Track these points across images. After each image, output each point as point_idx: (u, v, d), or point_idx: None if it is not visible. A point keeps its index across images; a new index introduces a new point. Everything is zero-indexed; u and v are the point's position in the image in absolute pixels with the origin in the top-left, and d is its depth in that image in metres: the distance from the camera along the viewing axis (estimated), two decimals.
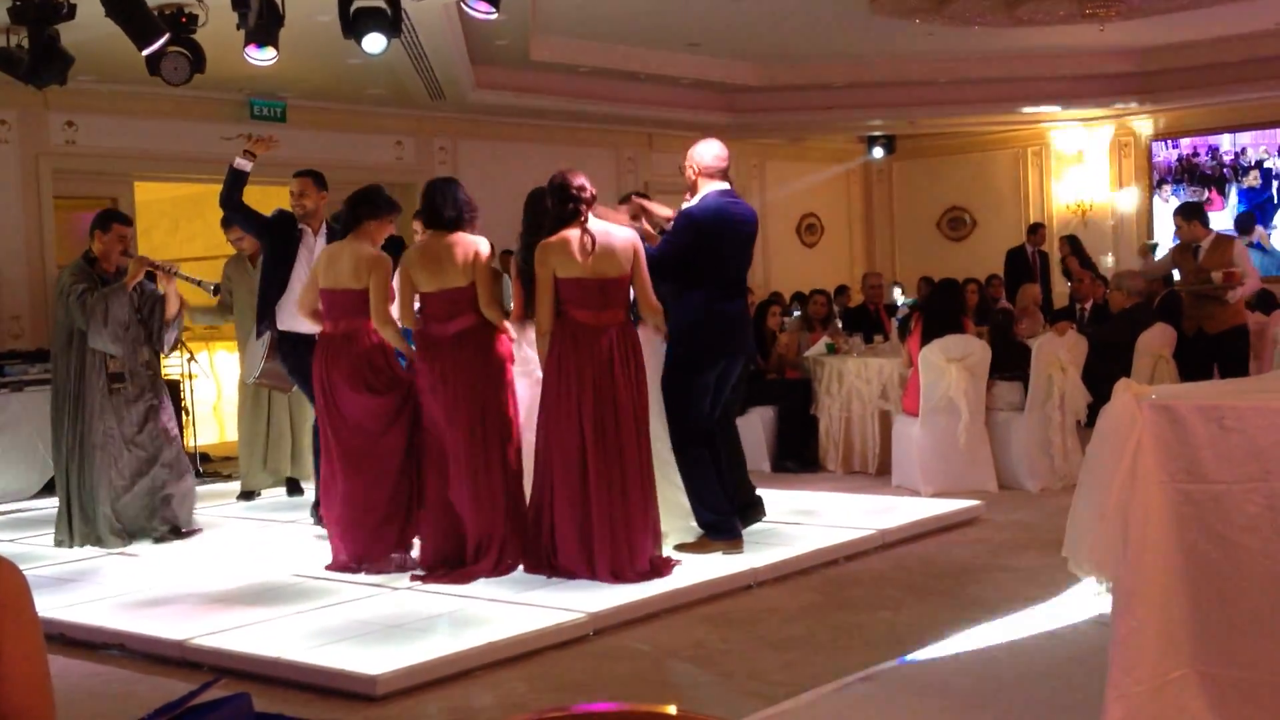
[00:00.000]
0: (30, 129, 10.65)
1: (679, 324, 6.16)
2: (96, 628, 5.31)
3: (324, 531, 6.53)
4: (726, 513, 6.21)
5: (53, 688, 1.85)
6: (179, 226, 14.47)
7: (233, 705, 2.15)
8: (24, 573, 1.91)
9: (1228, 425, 3.11)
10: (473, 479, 5.82)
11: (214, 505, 8.25)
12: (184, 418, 9.76)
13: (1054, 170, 16.66)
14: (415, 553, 6.12)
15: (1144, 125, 15.79)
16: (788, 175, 17.26)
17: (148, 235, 13.03)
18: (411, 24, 8.89)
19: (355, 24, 7.44)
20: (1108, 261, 15.47)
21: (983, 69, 14.01)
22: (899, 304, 14.08)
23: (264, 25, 7.42)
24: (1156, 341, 9.21)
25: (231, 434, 9.75)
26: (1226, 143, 15.38)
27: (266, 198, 7.72)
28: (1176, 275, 10.11)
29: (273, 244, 7.21)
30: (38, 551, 6.99)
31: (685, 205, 6.27)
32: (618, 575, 5.61)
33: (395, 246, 6.90)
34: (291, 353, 7.03)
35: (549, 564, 5.77)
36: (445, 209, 5.94)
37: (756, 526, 6.56)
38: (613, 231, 5.85)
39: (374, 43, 7.45)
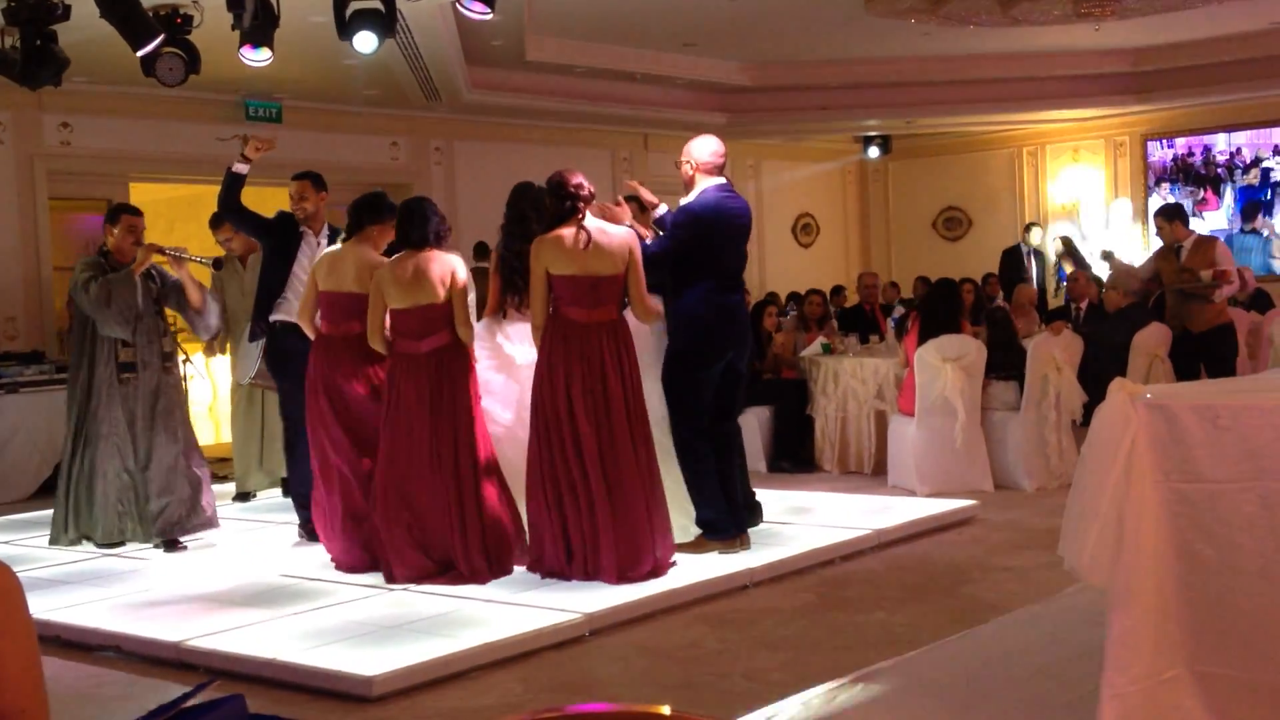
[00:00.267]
0: (25, 130, 10.65)
1: (681, 318, 6.18)
2: (92, 629, 5.30)
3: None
4: (724, 511, 6.22)
5: (46, 689, 1.84)
6: (175, 227, 14.44)
7: (227, 707, 2.15)
8: (18, 575, 1.91)
9: (1222, 424, 3.11)
10: (443, 494, 5.80)
11: None
12: None
13: (1049, 170, 16.68)
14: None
15: (1139, 125, 15.81)
16: (783, 175, 17.27)
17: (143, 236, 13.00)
18: (406, 24, 8.89)
19: (351, 26, 7.44)
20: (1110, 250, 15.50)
21: (978, 69, 14.02)
22: (897, 306, 14.11)
23: (259, 26, 7.42)
24: (1152, 341, 9.22)
25: (227, 435, 9.74)
26: (1221, 142, 15.41)
27: (262, 199, 7.72)
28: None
29: (274, 244, 7.22)
30: (34, 554, 6.98)
31: (684, 201, 6.29)
32: (619, 576, 5.61)
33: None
34: (285, 342, 6.95)
35: (543, 565, 5.77)
36: (413, 229, 5.98)
37: (753, 528, 6.56)
38: (608, 230, 5.86)
39: (365, 41, 7.44)
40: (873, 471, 8.94)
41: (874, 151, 17.49)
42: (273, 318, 7.02)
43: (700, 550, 6.10)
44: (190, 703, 2.17)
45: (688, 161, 6.29)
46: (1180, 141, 15.74)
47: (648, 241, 6.18)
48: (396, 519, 5.85)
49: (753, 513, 6.65)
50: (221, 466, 9.28)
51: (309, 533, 6.79)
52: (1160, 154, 15.90)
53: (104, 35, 7.27)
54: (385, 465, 5.92)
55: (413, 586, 5.73)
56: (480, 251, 10.86)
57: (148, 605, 5.65)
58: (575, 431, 5.67)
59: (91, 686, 4.77)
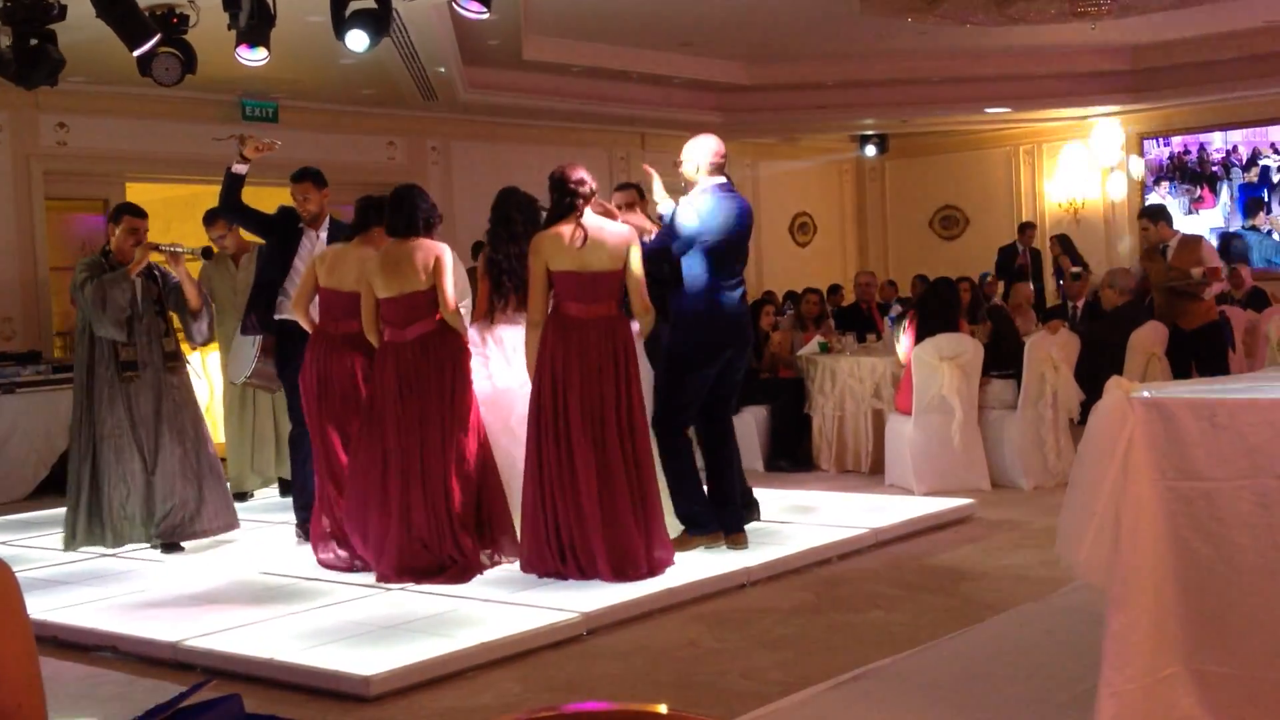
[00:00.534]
0: (21, 130, 10.64)
1: (681, 315, 6.19)
2: (89, 630, 5.30)
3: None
4: (705, 505, 6.23)
5: (44, 688, 1.84)
6: (171, 227, 14.37)
7: (223, 707, 2.15)
8: (15, 574, 1.90)
9: (1219, 422, 3.11)
10: (433, 485, 5.80)
11: None
12: None
13: (1046, 169, 16.69)
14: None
15: (1136, 123, 15.82)
16: (780, 174, 17.27)
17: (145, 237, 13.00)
18: (403, 24, 8.89)
19: (348, 25, 7.44)
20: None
21: (975, 67, 14.03)
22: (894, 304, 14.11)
23: (255, 26, 7.41)
24: (1149, 339, 9.22)
25: (224, 435, 9.73)
26: (1217, 140, 15.42)
27: (259, 199, 7.71)
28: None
29: (275, 240, 7.24)
30: (31, 554, 6.97)
31: (684, 199, 6.30)
32: (616, 573, 5.60)
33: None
34: (292, 340, 6.95)
35: (536, 563, 5.76)
36: (400, 217, 5.99)
37: (750, 525, 6.56)
38: (608, 227, 5.88)
39: (357, 40, 7.43)
40: (870, 470, 8.94)
41: (871, 150, 17.49)
42: (278, 316, 7.02)
43: (684, 547, 6.09)
44: (187, 702, 2.17)
45: (688, 161, 6.30)
46: (1176, 140, 15.75)
47: (646, 240, 6.20)
48: (378, 513, 5.84)
49: (750, 511, 6.66)
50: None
51: (307, 533, 6.79)
52: (1156, 152, 15.91)
53: (100, 35, 7.26)
54: (365, 452, 5.90)
55: (410, 586, 5.72)
56: (478, 252, 10.85)
57: (145, 605, 5.65)
58: (568, 427, 5.67)
59: (89, 686, 4.76)
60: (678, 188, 6.43)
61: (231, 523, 7.05)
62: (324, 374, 6.25)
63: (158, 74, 8.07)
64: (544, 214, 6.25)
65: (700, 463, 6.47)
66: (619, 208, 6.54)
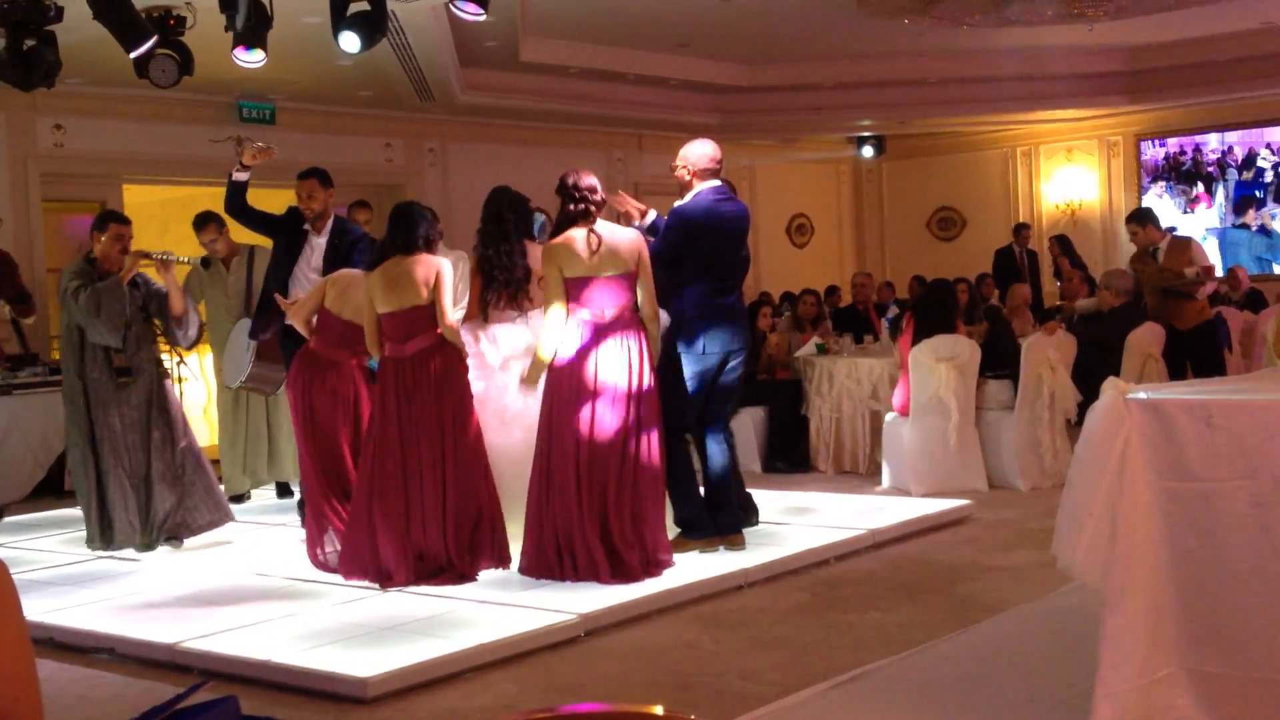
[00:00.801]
0: (18, 131, 10.63)
1: (676, 319, 6.20)
2: (87, 631, 5.30)
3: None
4: (701, 509, 6.23)
5: (39, 685, 1.84)
6: (168, 229, 14.40)
7: (220, 708, 2.15)
8: (11, 574, 1.90)
9: (1215, 423, 3.11)
10: (431, 498, 5.79)
11: None
12: None
13: (1043, 170, 16.70)
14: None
15: (1133, 124, 15.83)
16: (777, 176, 17.27)
17: (136, 238, 12.88)
18: (400, 25, 8.88)
19: (346, 26, 7.43)
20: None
21: (971, 69, 14.03)
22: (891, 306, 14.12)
23: (252, 27, 7.41)
24: (1145, 340, 9.22)
25: None
26: (1214, 141, 15.44)
27: (256, 201, 7.71)
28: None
29: (282, 242, 7.28)
30: (28, 555, 6.97)
31: (677, 204, 6.31)
32: (616, 574, 5.60)
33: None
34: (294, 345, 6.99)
35: (542, 567, 5.76)
36: (400, 234, 6.01)
37: (748, 528, 6.56)
38: (618, 233, 5.96)
39: (350, 41, 7.44)
40: (867, 471, 8.94)
41: (868, 152, 17.49)
42: (288, 320, 7.05)
43: (679, 550, 6.09)
44: (184, 704, 2.16)
45: (683, 166, 6.31)
46: (1172, 141, 15.77)
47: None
48: (383, 521, 5.83)
49: (748, 513, 6.66)
50: (217, 469, 9.27)
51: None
52: (1152, 153, 15.93)
53: (97, 37, 7.26)
54: (369, 466, 5.92)
55: (407, 588, 5.72)
56: None
57: (142, 607, 5.65)
58: (590, 431, 5.69)
59: (86, 688, 4.77)
60: (673, 190, 6.44)
61: (222, 518, 7.08)
62: (305, 391, 6.32)
63: (155, 76, 8.06)
64: (536, 214, 6.28)
65: (697, 465, 6.48)
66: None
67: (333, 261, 7.18)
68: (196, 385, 11.26)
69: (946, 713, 3.99)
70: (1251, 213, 14.92)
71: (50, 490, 9.16)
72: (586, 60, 12.49)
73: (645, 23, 11.56)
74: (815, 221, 17.80)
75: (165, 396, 7.05)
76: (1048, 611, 5.09)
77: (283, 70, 9.82)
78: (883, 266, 17.45)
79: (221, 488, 7.34)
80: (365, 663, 4.57)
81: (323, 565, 6.22)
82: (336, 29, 7.46)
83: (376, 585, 5.79)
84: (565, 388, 5.76)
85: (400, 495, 5.81)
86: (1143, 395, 3.20)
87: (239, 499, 8.57)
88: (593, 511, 5.67)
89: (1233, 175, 15.26)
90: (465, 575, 5.76)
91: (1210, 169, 15.45)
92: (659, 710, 1.66)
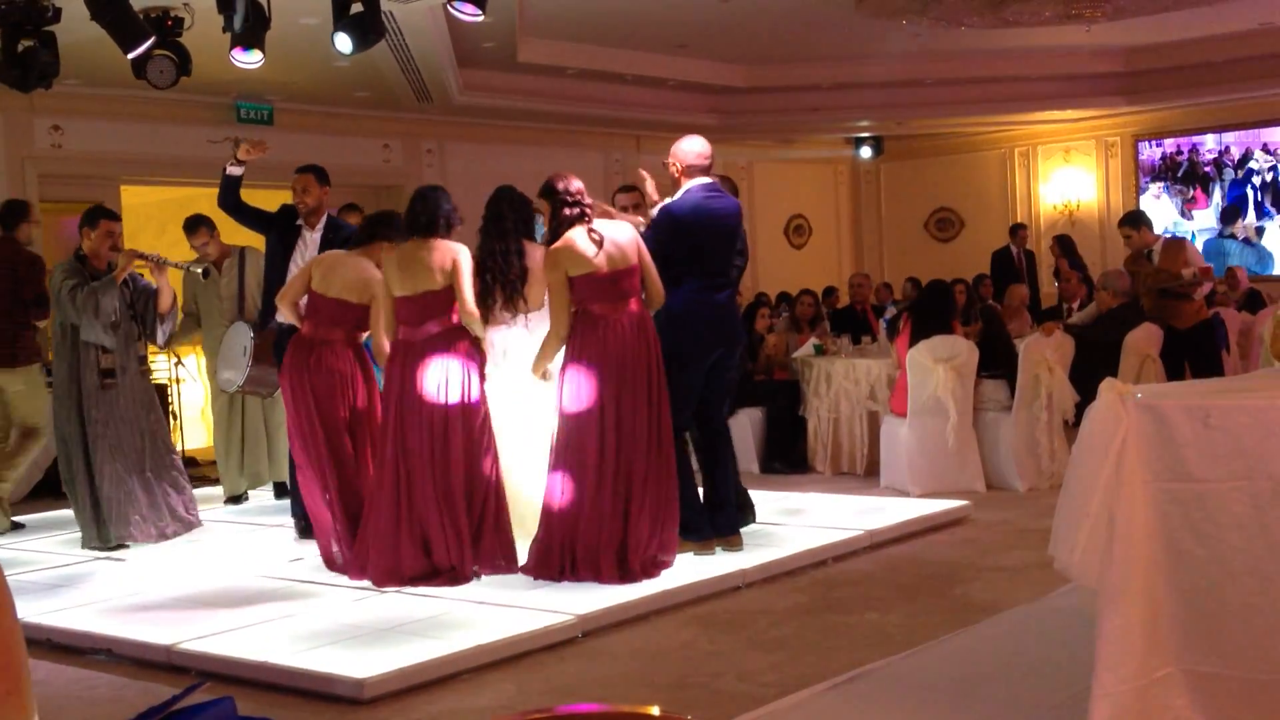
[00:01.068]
0: (16, 132, 10.63)
1: (667, 317, 6.19)
2: (84, 633, 5.29)
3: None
4: (699, 510, 6.22)
5: (30, 682, 1.83)
6: (166, 229, 14.40)
7: (216, 709, 2.15)
8: (10, 576, 1.90)
9: (1213, 424, 3.11)
10: (439, 487, 5.78)
11: (201, 509, 8.21)
12: (171, 422, 9.73)
13: (1041, 171, 16.72)
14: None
15: (1130, 125, 15.84)
16: (775, 176, 17.29)
17: (134, 239, 12.94)
18: (398, 26, 8.89)
19: (342, 27, 7.44)
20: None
21: (970, 70, 14.05)
22: (889, 306, 14.13)
23: (250, 28, 7.41)
24: (1143, 341, 9.23)
25: None
26: (1210, 141, 15.46)
27: (254, 201, 7.72)
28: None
29: (276, 238, 7.28)
30: (26, 557, 6.97)
31: (667, 201, 6.32)
32: (622, 574, 5.61)
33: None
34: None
35: (545, 570, 5.75)
36: (420, 215, 6.00)
37: (746, 527, 6.56)
38: (613, 228, 5.96)
39: (344, 42, 7.44)
40: (865, 472, 8.94)
41: (866, 152, 17.51)
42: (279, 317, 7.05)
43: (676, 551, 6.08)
44: (180, 705, 2.16)
45: (673, 163, 6.33)
46: (1169, 141, 15.79)
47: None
48: (393, 515, 5.82)
49: (745, 513, 6.65)
50: (214, 470, 9.27)
51: (304, 533, 6.80)
52: (1150, 153, 15.94)
53: (95, 38, 7.26)
54: (381, 457, 5.92)
55: (405, 589, 5.71)
56: None
57: (139, 608, 5.64)
58: (603, 429, 5.67)
59: (83, 690, 4.76)
60: (669, 188, 6.45)
61: (192, 523, 7.22)
62: (296, 377, 6.28)
63: (152, 77, 8.07)
64: (538, 216, 6.27)
65: (695, 465, 6.47)
66: (624, 209, 6.60)
67: None
68: (195, 386, 11.26)
69: (944, 713, 3.99)
70: (1239, 223, 14.92)
71: (49, 491, 9.16)
72: (584, 61, 12.50)
73: (643, 23, 11.57)
74: (813, 222, 17.81)
75: (151, 396, 7.16)
76: (1045, 612, 5.09)
77: (281, 71, 9.83)
78: (880, 267, 17.47)
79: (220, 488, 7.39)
80: (362, 664, 4.57)
81: (332, 561, 6.21)
82: (335, 30, 7.47)
83: (376, 586, 5.79)
84: (585, 387, 5.73)
85: (405, 483, 5.81)
86: (1140, 396, 3.20)
87: (236, 500, 8.57)
88: (616, 511, 5.67)
89: (1230, 176, 15.27)
90: (465, 576, 5.75)
91: (1207, 169, 15.46)
92: (656, 711, 1.66)
